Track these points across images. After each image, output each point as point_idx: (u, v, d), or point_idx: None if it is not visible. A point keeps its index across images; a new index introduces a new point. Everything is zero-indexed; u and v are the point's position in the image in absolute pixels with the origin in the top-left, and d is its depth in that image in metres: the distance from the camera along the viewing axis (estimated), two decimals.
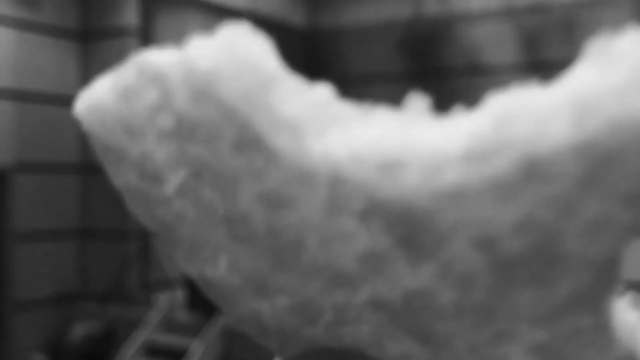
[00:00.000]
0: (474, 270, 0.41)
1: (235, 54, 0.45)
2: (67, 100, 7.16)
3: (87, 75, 7.34)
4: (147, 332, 4.99)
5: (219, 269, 0.48)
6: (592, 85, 0.41)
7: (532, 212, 0.40)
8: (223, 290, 0.48)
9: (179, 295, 5.98)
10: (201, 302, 5.52)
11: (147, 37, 7.70)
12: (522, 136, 0.44)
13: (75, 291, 7.06)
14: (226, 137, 0.44)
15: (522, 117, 0.42)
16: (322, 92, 0.49)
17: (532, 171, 0.40)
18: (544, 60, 9.00)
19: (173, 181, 0.47)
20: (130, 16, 7.22)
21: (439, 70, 9.54)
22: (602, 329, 0.40)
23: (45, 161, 6.96)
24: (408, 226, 0.43)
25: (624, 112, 0.43)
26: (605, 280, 0.40)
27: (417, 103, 0.49)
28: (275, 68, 0.47)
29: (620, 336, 0.42)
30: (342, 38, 10.13)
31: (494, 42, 9.26)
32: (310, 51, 10.24)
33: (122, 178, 0.49)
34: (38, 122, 6.92)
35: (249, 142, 0.44)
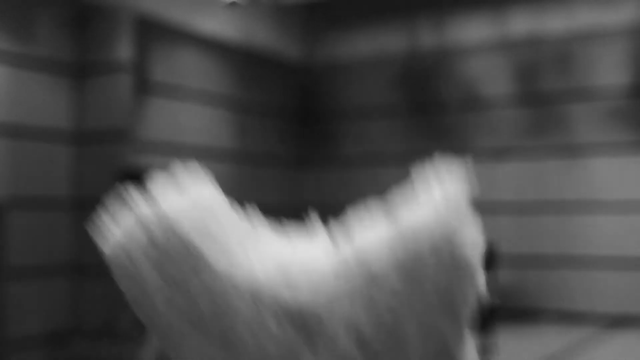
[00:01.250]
0: (354, 358, 0.59)
1: (197, 205, 0.76)
2: (60, 136, 7.13)
3: (80, 110, 7.30)
4: None
5: (187, 356, 0.68)
6: (414, 219, 0.62)
7: (382, 318, 0.63)
8: None
9: None
10: None
11: (141, 72, 7.67)
12: (369, 261, 0.57)
13: (68, 329, 6.97)
14: (187, 263, 0.68)
15: (372, 247, 0.65)
16: (256, 227, 0.79)
17: (375, 287, 0.62)
18: (539, 92, 9.01)
19: (159, 296, 0.68)
20: (124, 51, 7.22)
21: (434, 104, 9.54)
22: None
23: (39, 196, 6.91)
24: (307, 326, 0.65)
25: (426, 240, 0.58)
26: None
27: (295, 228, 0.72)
28: (226, 214, 0.76)
29: None
30: (337, 72, 10.15)
31: (489, 75, 9.26)
32: (305, 85, 10.24)
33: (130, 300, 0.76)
34: (32, 158, 6.88)
35: (203, 265, 0.69)
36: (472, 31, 9.37)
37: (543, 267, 8.91)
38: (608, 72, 8.73)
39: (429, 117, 9.55)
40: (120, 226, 0.75)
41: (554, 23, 8.94)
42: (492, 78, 9.28)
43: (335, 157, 10.06)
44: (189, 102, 8.45)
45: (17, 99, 6.82)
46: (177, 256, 0.70)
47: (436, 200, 0.68)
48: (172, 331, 0.71)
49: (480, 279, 0.69)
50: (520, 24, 9.11)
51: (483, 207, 6.46)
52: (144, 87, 7.74)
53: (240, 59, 9.20)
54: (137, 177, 6.97)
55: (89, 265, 7.10)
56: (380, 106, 9.84)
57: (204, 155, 8.62)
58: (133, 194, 0.74)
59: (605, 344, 7.40)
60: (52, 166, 7.06)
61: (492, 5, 9.23)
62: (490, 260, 7.36)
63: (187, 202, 0.75)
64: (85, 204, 7.16)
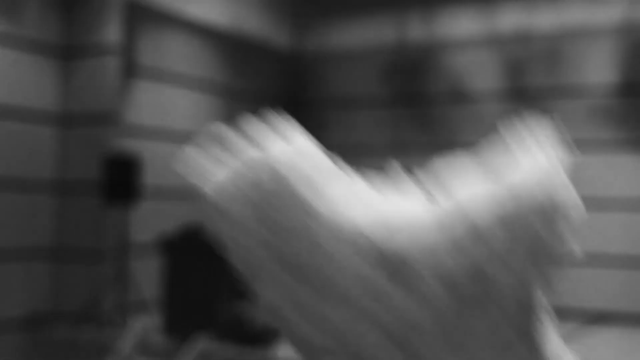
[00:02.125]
0: (443, 303, 0.61)
1: (304, 153, 0.77)
2: (46, 118, 7.09)
3: (67, 92, 7.26)
4: (122, 356, 4.88)
5: (282, 303, 0.75)
6: (518, 178, 0.72)
7: (475, 266, 0.61)
8: (283, 321, 0.76)
9: (155, 318, 5.86)
10: (177, 326, 5.43)
11: (129, 56, 7.63)
12: (472, 214, 0.63)
13: (49, 312, 6.95)
14: (290, 206, 0.73)
15: (476, 202, 0.64)
16: (356, 180, 0.79)
17: (476, 239, 0.61)
18: (526, 88, 9.03)
19: (256, 237, 0.78)
20: (112, 33, 7.17)
21: (422, 96, 9.55)
22: (537, 357, 0.61)
23: (22, 178, 6.87)
24: (399, 271, 0.64)
25: (530, 200, 0.71)
26: (530, 320, 0.61)
27: (406, 182, 0.73)
28: (328, 165, 0.78)
29: None
30: (326, 61, 10.14)
31: (477, 69, 9.28)
32: (293, 73, 10.22)
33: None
34: (16, 139, 6.83)
35: (306, 210, 0.72)
36: (461, 25, 9.38)
37: None
38: (596, 70, 8.77)
39: (416, 109, 9.56)
40: (226, 168, 0.84)
41: (543, 19, 8.96)
42: (480, 72, 9.30)
43: (321, 145, 10.05)
44: (177, 87, 8.42)
45: (3, 79, 6.77)
46: (281, 200, 0.78)
47: (538, 161, 0.80)
48: (263, 271, 0.81)
49: (573, 241, 0.85)
50: (510, 19, 9.12)
51: None
52: (131, 70, 7.70)
53: (229, 45, 9.17)
54: (123, 161, 6.94)
55: (70, 249, 7.07)
56: (367, 97, 9.84)
57: (191, 140, 8.59)
58: (233, 137, 0.81)
59: (586, 339, 7.46)
60: (37, 148, 7.01)
61: (482, 0, 9.23)
62: None
63: (294, 150, 0.84)
64: (69, 187, 7.13)
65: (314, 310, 0.70)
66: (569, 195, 0.71)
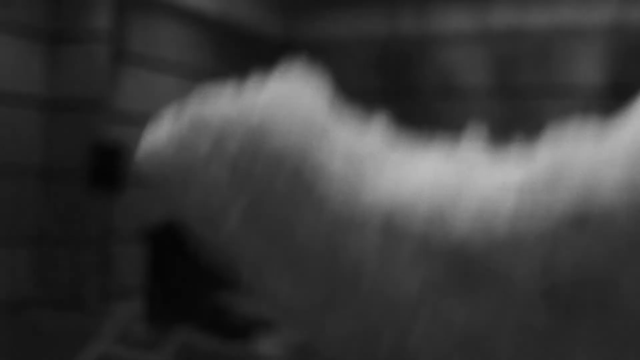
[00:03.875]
0: (533, 313, 0.48)
1: (287, 109, 0.66)
2: (33, 102, 7.02)
3: (55, 78, 7.20)
4: (103, 345, 4.87)
5: (284, 286, 0.55)
6: None
7: (589, 266, 0.46)
8: (288, 306, 0.59)
9: (138, 306, 5.84)
10: (161, 315, 5.40)
11: (118, 42, 7.59)
12: (574, 194, 0.49)
13: (32, 298, 6.91)
14: (278, 186, 0.56)
15: (574, 174, 0.50)
16: (373, 139, 0.78)
17: (585, 228, 0.46)
18: (517, 85, 9.04)
19: (233, 218, 0.59)
20: (102, 19, 7.10)
21: (412, 90, 9.54)
22: None
23: (6, 163, 6.80)
24: (462, 266, 0.50)
25: None
26: None
27: (473, 141, 0.79)
28: (326, 120, 0.70)
29: None
30: (316, 51, 10.09)
31: (468, 64, 9.28)
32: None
33: (184, 216, 0.63)
34: (1, 123, 6.77)
35: (299, 191, 0.54)
36: (453, 20, 9.36)
37: None
38: (587, 69, 8.78)
39: (405, 103, 9.55)
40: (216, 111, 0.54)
41: (535, 17, 8.96)
42: (471, 68, 9.29)
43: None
44: (167, 74, 8.37)
45: None
46: (261, 177, 0.48)
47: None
48: (248, 253, 0.51)
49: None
50: (502, 16, 9.11)
51: None
52: (120, 57, 7.64)
53: (219, 33, 9.12)
54: (109, 148, 6.90)
55: (54, 235, 7.03)
56: (357, 88, 9.82)
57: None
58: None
59: None
60: (22, 133, 6.96)
61: None
62: None
63: (277, 106, 0.53)
64: (54, 173, 7.08)
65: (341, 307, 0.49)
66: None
